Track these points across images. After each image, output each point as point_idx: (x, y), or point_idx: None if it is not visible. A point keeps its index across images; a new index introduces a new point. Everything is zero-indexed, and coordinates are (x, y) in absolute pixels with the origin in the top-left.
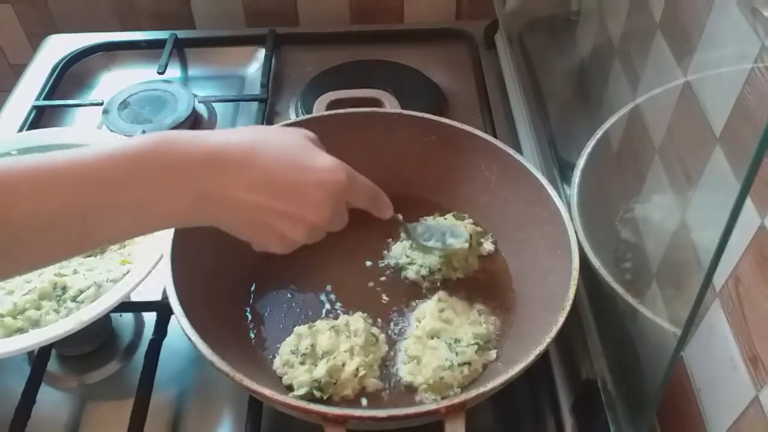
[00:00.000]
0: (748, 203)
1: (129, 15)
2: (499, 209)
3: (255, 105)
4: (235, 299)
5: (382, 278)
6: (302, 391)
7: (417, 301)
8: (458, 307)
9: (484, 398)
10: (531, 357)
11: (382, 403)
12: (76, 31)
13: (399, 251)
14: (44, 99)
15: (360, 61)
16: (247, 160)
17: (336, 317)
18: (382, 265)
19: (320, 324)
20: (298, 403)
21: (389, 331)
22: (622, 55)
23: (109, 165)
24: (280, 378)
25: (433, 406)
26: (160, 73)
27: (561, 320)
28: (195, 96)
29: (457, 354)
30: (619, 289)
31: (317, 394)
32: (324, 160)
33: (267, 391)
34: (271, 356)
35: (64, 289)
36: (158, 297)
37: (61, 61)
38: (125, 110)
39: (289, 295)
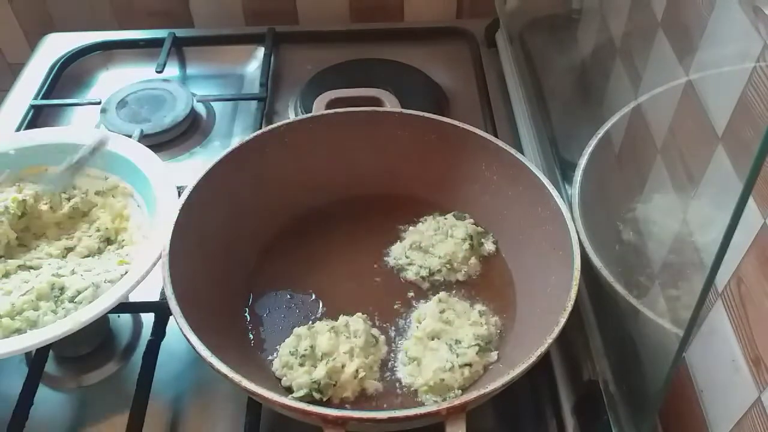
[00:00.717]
0: (751, 203)
1: (127, 14)
2: (500, 209)
3: (254, 104)
4: (233, 300)
5: (382, 279)
6: (301, 393)
7: (417, 302)
8: (459, 308)
9: (485, 400)
10: (532, 358)
11: (381, 405)
12: (74, 30)
13: (399, 252)
14: (42, 98)
15: (360, 59)
16: None
17: (335, 318)
18: (382, 265)
19: (319, 325)
20: (297, 404)
21: (389, 333)
22: (623, 54)
23: None
24: (279, 379)
25: (433, 408)
26: (158, 72)
27: (562, 321)
28: (194, 95)
29: (457, 355)
30: (621, 290)
31: (317, 395)
32: None
33: (266, 393)
34: (270, 357)
35: (62, 289)
36: (156, 298)
37: (59, 60)
38: (123, 109)
39: (288, 296)
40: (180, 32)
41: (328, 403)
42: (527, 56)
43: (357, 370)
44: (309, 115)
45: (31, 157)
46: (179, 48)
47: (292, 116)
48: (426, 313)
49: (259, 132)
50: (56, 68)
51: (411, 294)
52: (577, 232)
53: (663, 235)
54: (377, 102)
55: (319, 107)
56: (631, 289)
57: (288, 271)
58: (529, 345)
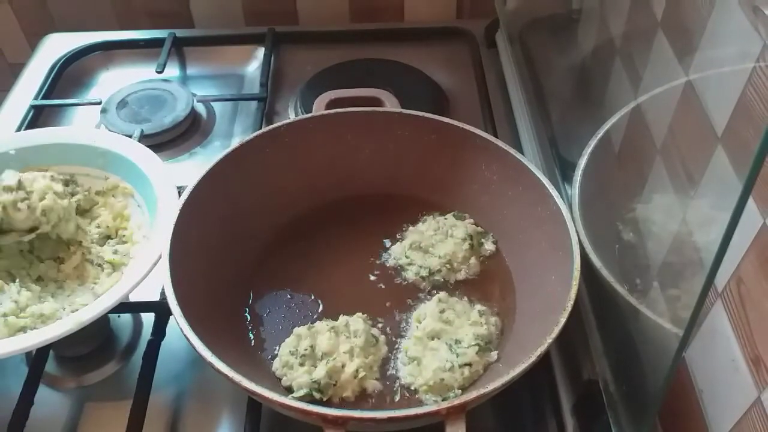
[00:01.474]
0: (750, 203)
1: (127, 14)
2: (500, 209)
3: (254, 104)
4: (233, 300)
5: (382, 279)
6: (301, 393)
7: (417, 302)
8: (459, 308)
9: (485, 399)
10: (532, 358)
11: (382, 405)
12: (75, 30)
13: (399, 252)
14: (42, 98)
15: (360, 59)
16: None
17: (335, 318)
18: (382, 266)
19: (320, 325)
20: (297, 404)
21: (389, 332)
22: (623, 54)
23: None
24: (280, 379)
25: (433, 408)
26: (158, 72)
27: (562, 321)
28: (194, 95)
29: (457, 355)
30: (621, 290)
31: (317, 395)
32: None
33: (266, 393)
34: (270, 357)
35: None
36: (156, 298)
37: (59, 60)
38: (124, 109)
39: (289, 296)
40: (180, 32)
41: (328, 403)
42: (527, 56)
43: (357, 370)
44: (309, 115)
45: (32, 157)
46: (179, 48)
47: (292, 116)
48: (426, 313)
49: (259, 132)
50: (56, 68)
51: (411, 294)
52: (577, 232)
53: (663, 235)
54: (377, 102)
55: (319, 107)
56: (630, 289)
57: (288, 271)
58: (529, 345)
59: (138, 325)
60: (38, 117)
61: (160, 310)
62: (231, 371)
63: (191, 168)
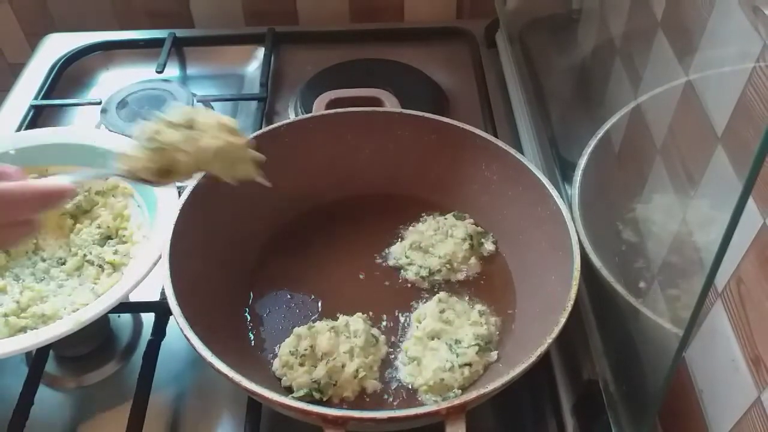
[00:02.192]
0: (750, 203)
1: (127, 14)
2: (500, 209)
3: (254, 104)
4: (233, 300)
5: (382, 279)
6: (301, 393)
7: (417, 302)
8: (459, 308)
9: (485, 399)
10: (532, 358)
11: (382, 405)
12: (75, 30)
13: (399, 252)
14: (42, 98)
15: (360, 60)
16: None
17: (335, 318)
18: (382, 266)
19: (320, 325)
20: (297, 404)
21: (389, 332)
22: (623, 54)
23: None
24: (279, 379)
25: (433, 408)
26: (158, 72)
27: (562, 321)
28: (194, 95)
29: (457, 355)
30: (621, 290)
31: (317, 395)
32: None
33: (266, 393)
34: (270, 357)
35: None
36: (156, 298)
37: (59, 60)
38: (124, 109)
39: (289, 296)
40: (180, 32)
41: (328, 403)
42: (527, 56)
43: (357, 370)
44: (309, 115)
45: (32, 157)
46: (179, 48)
47: (292, 116)
48: (426, 313)
49: (259, 132)
50: (56, 68)
51: (411, 294)
52: (577, 232)
53: (663, 235)
54: (377, 102)
55: (319, 107)
56: (630, 289)
57: (288, 271)
58: (529, 345)
59: (138, 325)
60: (38, 117)
61: (160, 310)
62: (231, 371)
63: None
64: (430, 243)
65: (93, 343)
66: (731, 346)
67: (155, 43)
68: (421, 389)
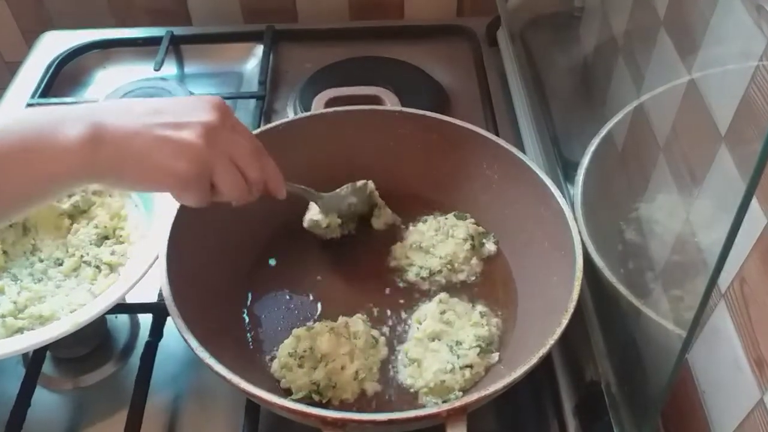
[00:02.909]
0: (754, 203)
1: (125, 12)
2: (502, 209)
3: (253, 102)
4: (232, 301)
5: (382, 280)
6: (301, 395)
7: (418, 302)
8: (459, 309)
9: (487, 401)
10: (534, 359)
11: (382, 407)
12: (72, 28)
13: (399, 252)
14: (39, 97)
15: (359, 57)
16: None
17: (335, 319)
18: (383, 266)
19: (319, 326)
20: (296, 406)
21: (389, 334)
22: (625, 53)
23: None
24: (278, 381)
25: (434, 410)
26: (156, 71)
27: (564, 322)
28: (192, 93)
29: (458, 357)
30: (624, 290)
31: (316, 397)
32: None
33: (264, 395)
34: (268, 359)
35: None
36: (154, 299)
37: (56, 58)
38: None
39: (287, 297)
40: (178, 30)
41: (327, 405)
42: (529, 54)
43: (357, 372)
44: (308, 113)
45: None
46: (177, 46)
47: (291, 115)
48: (426, 314)
49: (257, 131)
50: (53, 66)
51: (411, 295)
52: (580, 232)
53: (666, 235)
54: (377, 100)
55: (318, 106)
56: (633, 290)
57: (287, 272)
58: (531, 346)
59: (135, 327)
60: None
61: (158, 311)
62: (229, 373)
63: None
64: (430, 243)
65: (90, 345)
66: (734, 347)
67: (153, 41)
68: (422, 391)
